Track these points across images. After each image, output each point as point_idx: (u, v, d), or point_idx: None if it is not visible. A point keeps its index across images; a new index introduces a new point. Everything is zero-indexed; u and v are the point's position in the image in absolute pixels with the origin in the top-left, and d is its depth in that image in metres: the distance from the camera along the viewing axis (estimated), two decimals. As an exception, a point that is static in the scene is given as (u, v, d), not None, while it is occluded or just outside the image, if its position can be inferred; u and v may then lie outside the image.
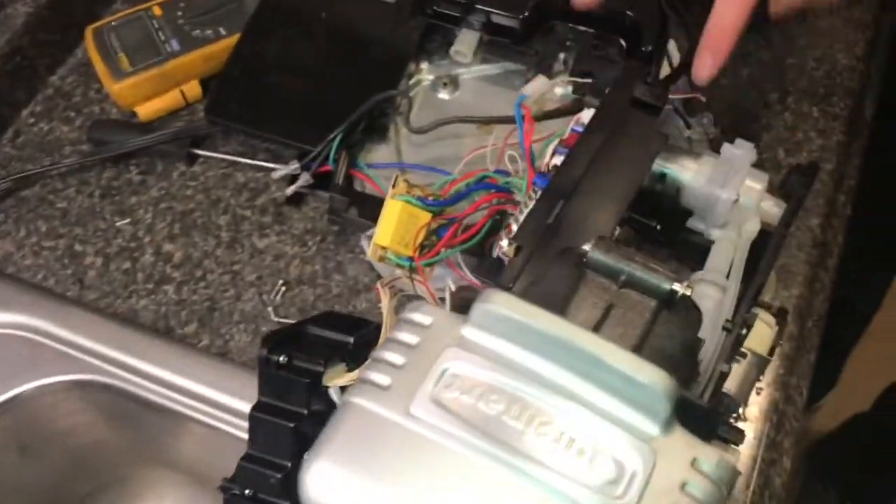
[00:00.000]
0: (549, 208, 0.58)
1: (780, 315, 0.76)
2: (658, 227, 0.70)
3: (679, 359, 0.52)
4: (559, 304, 0.50)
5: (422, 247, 0.70)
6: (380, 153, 0.88)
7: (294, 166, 0.85)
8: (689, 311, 0.53)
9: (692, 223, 0.68)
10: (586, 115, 0.66)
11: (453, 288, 0.63)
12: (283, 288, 0.83)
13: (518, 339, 0.47)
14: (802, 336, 0.82)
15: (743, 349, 0.68)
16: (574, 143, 0.62)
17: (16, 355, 0.79)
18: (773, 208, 0.65)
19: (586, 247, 0.51)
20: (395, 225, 0.67)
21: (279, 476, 0.57)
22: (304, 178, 0.84)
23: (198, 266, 0.85)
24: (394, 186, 0.69)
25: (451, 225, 0.71)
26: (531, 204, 0.60)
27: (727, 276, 0.63)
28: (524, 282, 0.54)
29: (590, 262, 0.51)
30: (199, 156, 0.91)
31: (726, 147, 0.67)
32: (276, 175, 0.86)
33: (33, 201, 0.90)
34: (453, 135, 0.89)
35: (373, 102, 0.82)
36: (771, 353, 0.72)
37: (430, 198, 0.70)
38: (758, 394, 0.78)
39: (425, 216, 0.69)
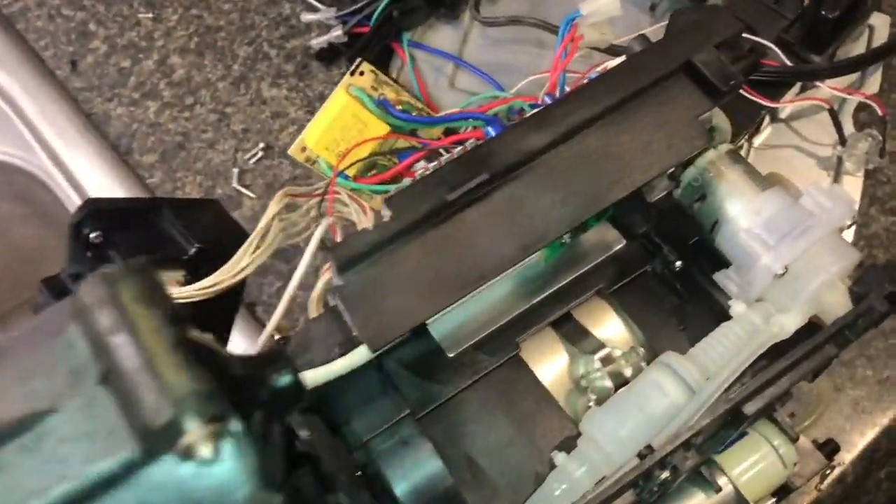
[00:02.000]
0: (458, 180, 0.38)
1: (826, 448, 0.52)
2: (677, 263, 0.47)
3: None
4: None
5: (371, 165, 0.52)
6: (440, 35, 0.69)
7: (327, 14, 0.68)
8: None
9: (721, 278, 0.45)
10: (616, 64, 0.44)
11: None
12: (262, 153, 0.69)
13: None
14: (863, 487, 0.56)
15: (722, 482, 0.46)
16: (558, 101, 0.41)
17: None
18: (837, 307, 0.41)
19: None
20: (331, 124, 0.50)
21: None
22: (336, 33, 0.67)
23: (192, 93, 0.72)
24: (352, 73, 0.51)
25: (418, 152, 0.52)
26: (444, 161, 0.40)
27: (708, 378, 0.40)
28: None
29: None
30: (252, -33, 0.76)
31: (812, 192, 0.42)
32: (304, 18, 0.69)
33: (71, -38, 0.80)
34: (535, 42, 0.68)
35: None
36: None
37: (399, 107, 0.51)
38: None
39: (378, 127, 0.50)
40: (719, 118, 0.45)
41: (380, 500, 0.40)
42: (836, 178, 0.61)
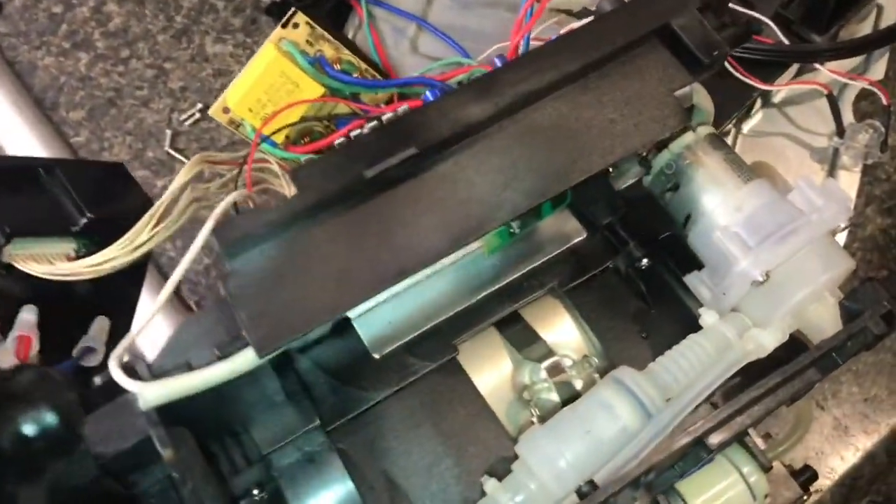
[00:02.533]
0: (380, 153, 0.31)
1: (801, 476, 0.46)
2: (643, 260, 0.41)
3: None
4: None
5: (305, 132, 0.46)
6: (406, -6, 0.62)
7: (278, -37, 0.61)
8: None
9: (692, 281, 0.38)
10: (580, 25, 0.37)
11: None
12: (199, 115, 0.62)
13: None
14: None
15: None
16: (508, 65, 0.35)
17: None
18: (824, 324, 0.35)
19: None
20: (255, 82, 0.43)
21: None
22: (287, -14, 0.60)
23: (129, 44, 0.65)
24: (284, 24, 0.44)
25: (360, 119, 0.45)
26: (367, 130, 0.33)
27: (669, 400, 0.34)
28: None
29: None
30: None
31: (803, 187, 0.36)
32: (252, -34, 0.62)
33: None
34: (508, 7, 0.61)
35: None
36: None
37: (338, 66, 0.45)
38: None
39: (312, 88, 0.43)
40: (700, 96, 0.38)
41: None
42: (831, 173, 0.54)
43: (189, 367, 0.30)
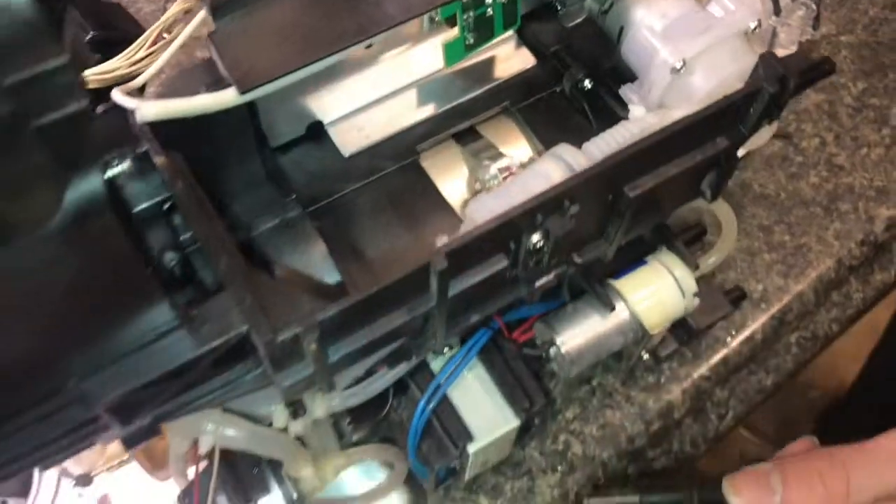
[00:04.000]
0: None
1: (732, 295, 0.52)
2: (586, 81, 0.46)
3: None
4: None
5: None
6: None
7: None
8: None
9: (625, 91, 0.44)
10: None
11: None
12: None
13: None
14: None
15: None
16: None
17: None
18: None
19: None
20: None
21: None
22: None
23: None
24: None
25: None
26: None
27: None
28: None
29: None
30: None
31: (719, -4, 0.41)
32: None
33: None
34: None
35: None
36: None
37: None
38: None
39: None
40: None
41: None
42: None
43: (180, 102, 0.35)
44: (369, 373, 0.41)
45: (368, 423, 0.43)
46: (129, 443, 0.33)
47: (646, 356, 0.50)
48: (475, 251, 0.34)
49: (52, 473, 0.67)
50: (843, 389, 1.13)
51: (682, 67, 0.40)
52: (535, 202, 0.34)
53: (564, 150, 0.40)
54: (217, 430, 0.38)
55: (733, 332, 0.55)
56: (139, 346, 0.31)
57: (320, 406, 0.40)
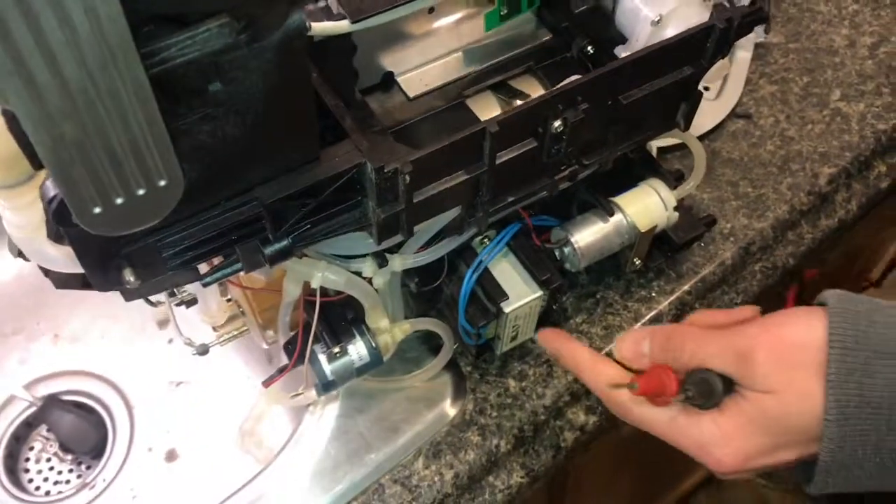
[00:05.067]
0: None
1: (705, 220, 0.66)
2: (589, 48, 0.61)
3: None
4: None
5: None
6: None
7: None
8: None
9: (619, 50, 0.59)
10: None
11: None
12: None
13: None
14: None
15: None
16: None
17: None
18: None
19: None
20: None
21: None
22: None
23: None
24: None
25: None
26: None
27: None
28: None
29: None
30: None
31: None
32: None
33: None
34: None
35: None
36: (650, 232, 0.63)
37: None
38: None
39: None
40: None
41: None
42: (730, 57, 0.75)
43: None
44: (430, 243, 0.54)
45: (430, 286, 0.57)
46: (273, 260, 0.47)
47: (638, 262, 0.64)
48: (517, 126, 0.49)
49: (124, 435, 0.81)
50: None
51: (658, 20, 0.55)
52: (557, 92, 0.49)
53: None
54: (324, 274, 0.52)
55: (709, 259, 0.69)
56: (292, 168, 0.44)
57: (398, 262, 0.54)
